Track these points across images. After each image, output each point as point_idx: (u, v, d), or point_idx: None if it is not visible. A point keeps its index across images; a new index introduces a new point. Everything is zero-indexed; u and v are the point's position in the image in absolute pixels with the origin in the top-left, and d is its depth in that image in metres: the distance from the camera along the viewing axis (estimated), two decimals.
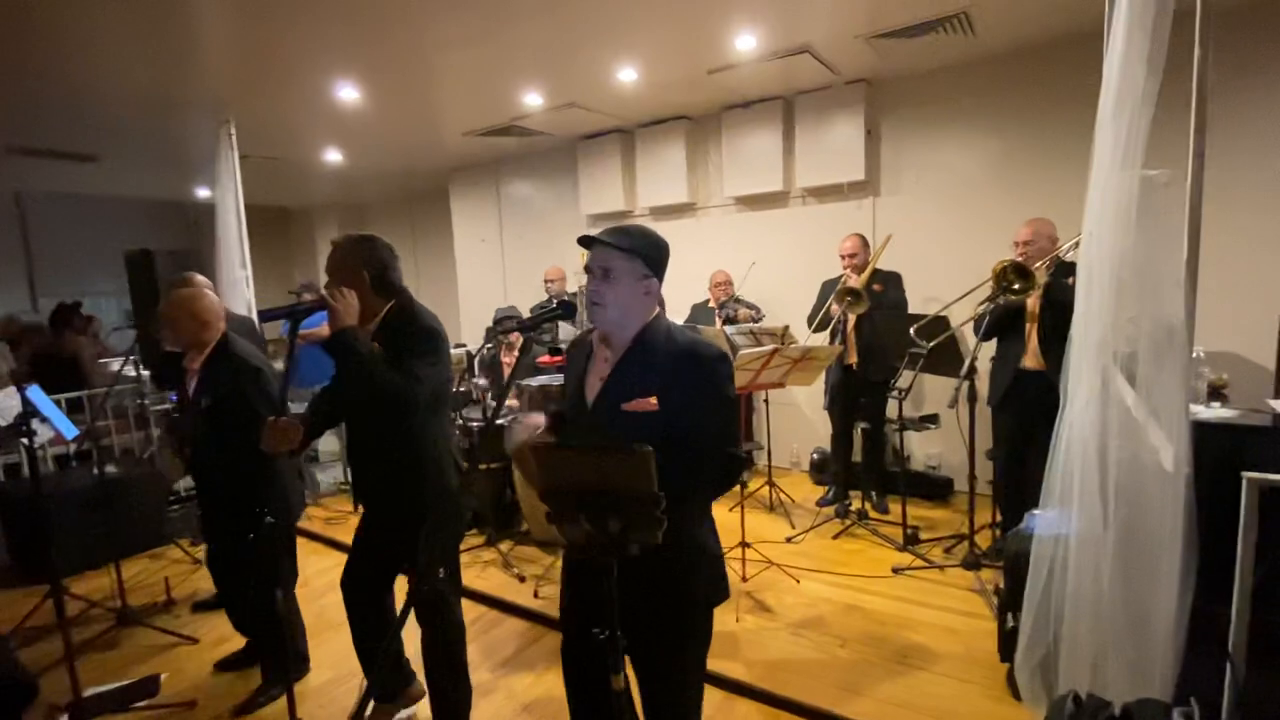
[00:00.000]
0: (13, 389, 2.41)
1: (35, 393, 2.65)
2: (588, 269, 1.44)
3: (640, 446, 1.02)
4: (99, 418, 4.08)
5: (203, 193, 7.01)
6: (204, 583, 3.56)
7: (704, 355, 1.39)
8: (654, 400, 1.35)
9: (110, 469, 3.82)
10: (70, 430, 3.05)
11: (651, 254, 1.42)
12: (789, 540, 3.71)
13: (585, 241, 1.44)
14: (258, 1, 2.92)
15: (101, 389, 4.24)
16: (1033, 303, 3.07)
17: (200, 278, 2.94)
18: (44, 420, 2.73)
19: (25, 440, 2.31)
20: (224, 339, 2.46)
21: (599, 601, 1.14)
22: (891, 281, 3.89)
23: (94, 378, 4.94)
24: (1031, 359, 3.10)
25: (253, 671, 2.67)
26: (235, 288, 4.31)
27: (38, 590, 3.11)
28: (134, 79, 3.79)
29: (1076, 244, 2.81)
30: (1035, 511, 2.15)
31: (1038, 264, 2.93)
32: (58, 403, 4.10)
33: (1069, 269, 2.89)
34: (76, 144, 5.09)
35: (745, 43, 3.66)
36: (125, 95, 4.04)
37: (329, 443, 5.58)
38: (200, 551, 3.89)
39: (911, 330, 3.25)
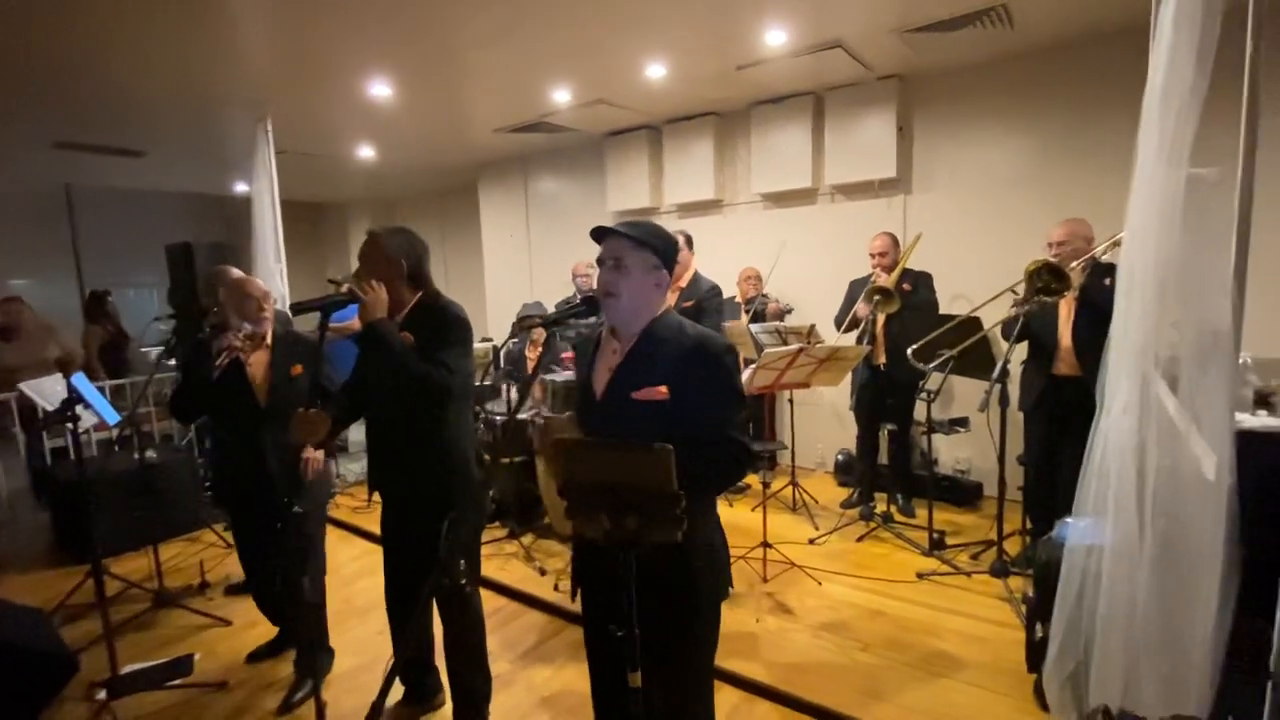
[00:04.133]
0: (59, 375, 2.51)
1: (80, 380, 2.75)
2: (600, 260, 1.46)
3: (660, 445, 1.01)
4: (140, 404, 4.22)
5: (240, 188, 7.20)
6: (236, 567, 3.65)
7: (712, 348, 1.41)
8: (664, 389, 1.37)
9: (150, 454, 3.95)
10: (112, 416, 3.17)
11: (661, 247, 1.46)
12: (812, 542, 3.68)
13: (598, 233, 1.47)
14: (294, 1, 2.98)
15: (142, 377, 4.39)
16: (1067, 306, 2.99)
17: (235, 270, 3.03)
18: (88, 406, 2.84)
19: (70, 425, 2.40)
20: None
21: (612, 596, 1.14)
22: (922, 281, 3.82)
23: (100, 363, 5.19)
24: (1066, 364, 3.01)
25: (283, 659, 2.74)
26: (270, 280, 4.40)
27: (79, 569, 3.24)
28: (176, 77, 3.91)
29: (1115, 244, 2.73)
30: (1067, 519, 2.09)
31: (1072, 265, 2.84)
32: (102, 389, 4.26)
33: (1107, 270, 2.80)
34: (123, 140, 5.27)
35: (776, 38, 3.62)
36: (168, 92, 4.17)
37: (356, 432, 5.70)
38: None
39: (935, 335, 3.19)
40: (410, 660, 2.18)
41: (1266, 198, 1.66)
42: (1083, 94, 3.80)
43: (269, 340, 2.55)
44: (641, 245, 1.42)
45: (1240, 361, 1.98)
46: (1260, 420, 1.88)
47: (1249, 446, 1.66)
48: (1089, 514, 1.83)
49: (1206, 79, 1.53)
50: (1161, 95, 1.61)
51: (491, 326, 7.03)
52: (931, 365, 3.20)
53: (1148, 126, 1.64)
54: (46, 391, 3.26)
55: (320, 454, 2.47)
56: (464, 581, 1.59)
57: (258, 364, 2.51)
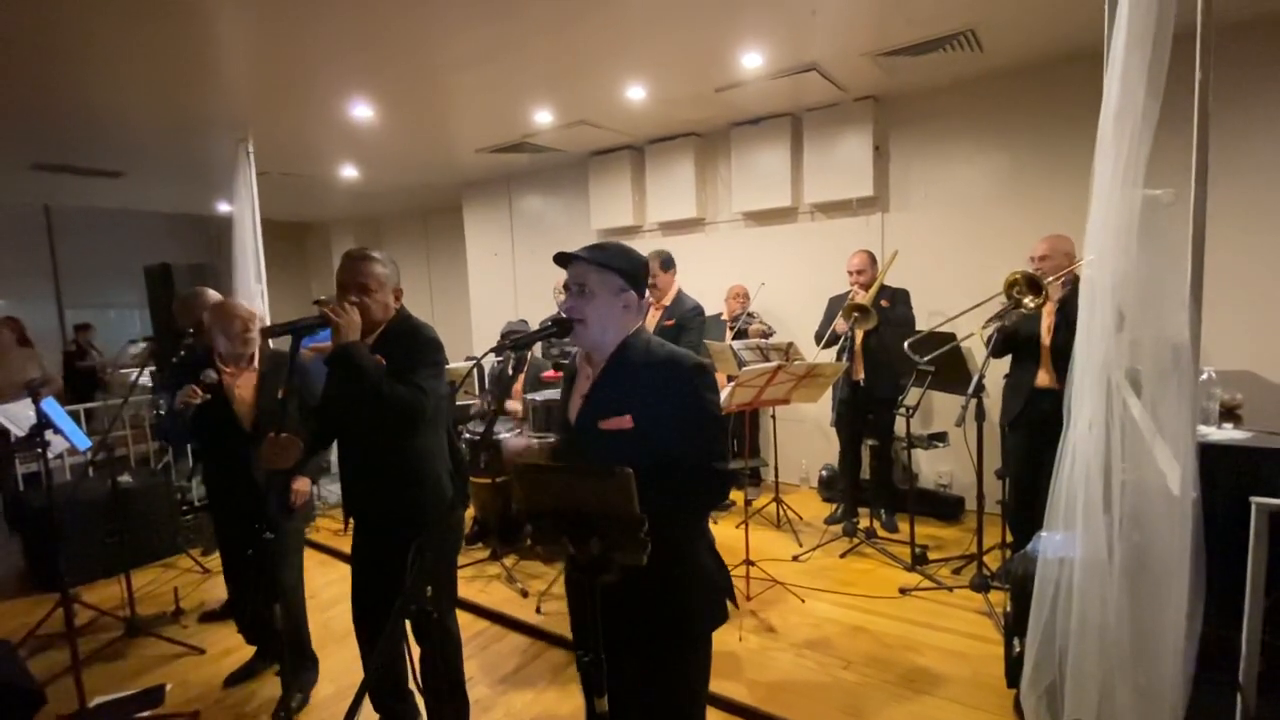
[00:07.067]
0: (28, 401, 2.47)
1: (50, 405, 2.71)
2: (566, 286, 1.44)
3: (619, 468, 1.01)
4: (116, 428, 4.16)
5: (223, 207, 7.17)
6: (212, 593, 3.60)
7: (682, 366, 1.37)
8: (628, 419, 1.35)
9: (125, 479, 3.88)
10: (83, 442, 3.11)
11: (627, 268, 1.42)
12: (795, 558, 3.67)
13: (562, 259, 1.44)
14: (275, 23, 3.00)
15: (117, 400, 4.33)
16: (1046, 321, 3.04)
17: (212, 292, 3.02)
18: (58, 432, 2.79)
19: (40, 450, 2.36)
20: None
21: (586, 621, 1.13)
22: (899, 298, 3.87)
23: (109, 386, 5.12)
24: (1046, 377, 3.05)
25: (258, 683, 2.69)
26: (251, 301, 4.38)
27: (50, 598, 3.16)
28: (156, 97, 3.90)
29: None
30: (1042, 533, 2.11)
31: (1050, 279, 2.89)
32: (76, 414, 4.20)
33: None
34: (103, 160, 5.24)
35: (752, 61, 3.69)
36: (148, 113, 4.16)
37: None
38: (210, 561, 3.93)
39: (905, 345, 3.23)
40: (384, 687, 2.14)
41: (1226, 217, 1.70)
42: (1053, 113, 3.89)
43: (256, 363, 2.53)
44: (605, 269, 1.40)
45: (1204, 376, 2.03)
46: (1224, 433, 1.91)
47: (1213, 459, 1.69)
48: (1059, 528, 1.84)
49: (1159, 102, 1.58)
50: (1115, 118, 1.66)
51: (477, 345, 7.02)
52: (910, 380, 3.23)
53: (1103, 148, 1.69)
54: (17, 416, 3.20)
55: (306, 484, 2.50)
56: (430, 609, 1.58)
57: (245, 386, 2.50)
